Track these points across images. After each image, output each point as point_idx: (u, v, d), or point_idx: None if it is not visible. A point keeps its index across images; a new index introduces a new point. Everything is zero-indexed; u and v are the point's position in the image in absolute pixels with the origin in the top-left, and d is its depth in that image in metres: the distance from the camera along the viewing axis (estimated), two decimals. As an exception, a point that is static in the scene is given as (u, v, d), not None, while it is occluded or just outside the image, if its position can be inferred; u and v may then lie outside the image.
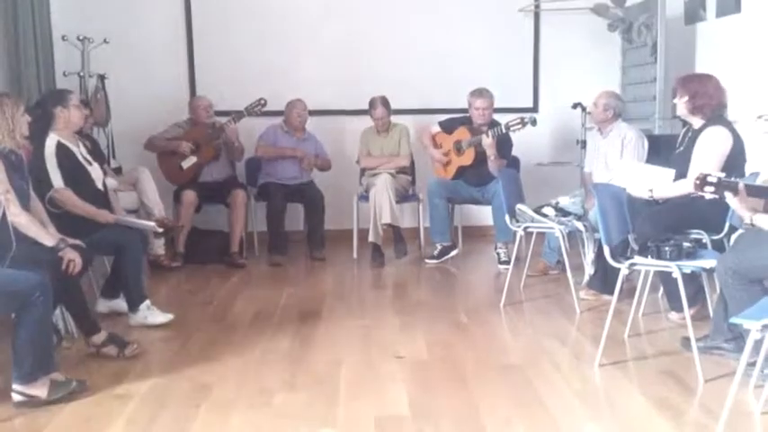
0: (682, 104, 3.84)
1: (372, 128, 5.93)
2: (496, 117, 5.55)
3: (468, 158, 5.51)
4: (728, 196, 2.80)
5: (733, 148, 3.73)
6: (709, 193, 2.75)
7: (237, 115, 5.63)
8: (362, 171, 6.01)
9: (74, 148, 4.01)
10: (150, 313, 4.01)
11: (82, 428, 2.79)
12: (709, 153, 3.71)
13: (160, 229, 4.40)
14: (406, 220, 6.08)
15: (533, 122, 5.17)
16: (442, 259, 5.55)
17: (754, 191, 2.83)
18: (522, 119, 5.16)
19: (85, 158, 4.08)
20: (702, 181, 2.73)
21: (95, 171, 4.14)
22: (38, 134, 3.75)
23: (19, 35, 5.32)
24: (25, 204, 3.32)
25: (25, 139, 3.39)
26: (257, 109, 5.63)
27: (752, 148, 3.99)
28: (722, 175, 2.77)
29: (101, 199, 4.11)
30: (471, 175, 5.56)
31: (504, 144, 5.40)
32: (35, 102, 3.95)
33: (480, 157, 5.41)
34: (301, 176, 5.89)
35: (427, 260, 5.56)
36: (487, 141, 5.26)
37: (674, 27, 5.80)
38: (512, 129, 5.20)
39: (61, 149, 3.92)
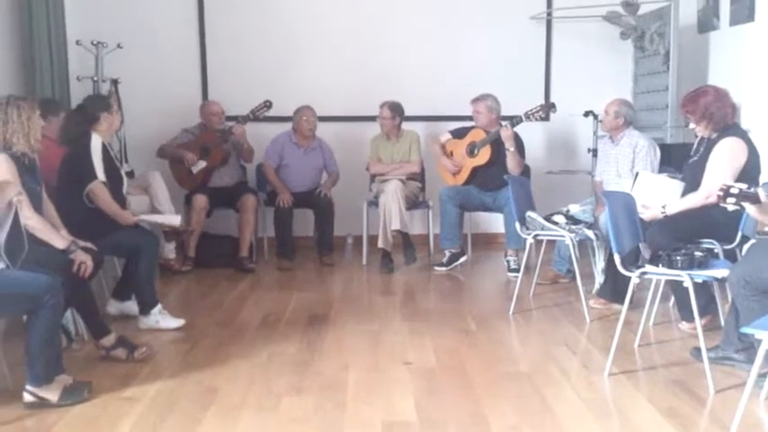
0: (703, 129, 3.84)
1: (382, 134, 5.94)
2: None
3: (482, 158, 5.49)
4: (748, 206, 2.77)
5: (748, 159, 3.71)
6: (731, 205, 2.72)
7: (243, 118, 5.66)
8: (372, 177, 6.01)
9: (111, 151, 4.17)
10: (162, 318, 4.04)
11: (89, 430, 2.80)
12: (724, 164, 3.69)
13: (178, 224, 4.63)
14: (416, 226, 6.08)
15: (554, 108, 5.16)
16: (451, 266, 5.54)
17: None
18: (543, 105, 5.17)
19: (117, 160, 4.24)
20: (726, 192, 2.71)
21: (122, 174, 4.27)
22: (79, 135, 4.00)
23: (33, 39, 5.37)
24: (37, 207, 3.34)
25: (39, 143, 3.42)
26: (262, 111, 5.66)
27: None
28: (744, 186, 2.74)
29: (123, 201, 4.20)
30: (484, 178, 5.52)
31: (517, 142, 5.39)
32: (77, 105, 4.37)
33: (495, 157, 5.40)
34: (310, 184, 5.88)
35: (436, 267, 5.56)
36: (506, 133, 5.27)
37: (687, 36, 5.79)
38: (532, 117, 5.22)
39: (104, 149, 4.06)
